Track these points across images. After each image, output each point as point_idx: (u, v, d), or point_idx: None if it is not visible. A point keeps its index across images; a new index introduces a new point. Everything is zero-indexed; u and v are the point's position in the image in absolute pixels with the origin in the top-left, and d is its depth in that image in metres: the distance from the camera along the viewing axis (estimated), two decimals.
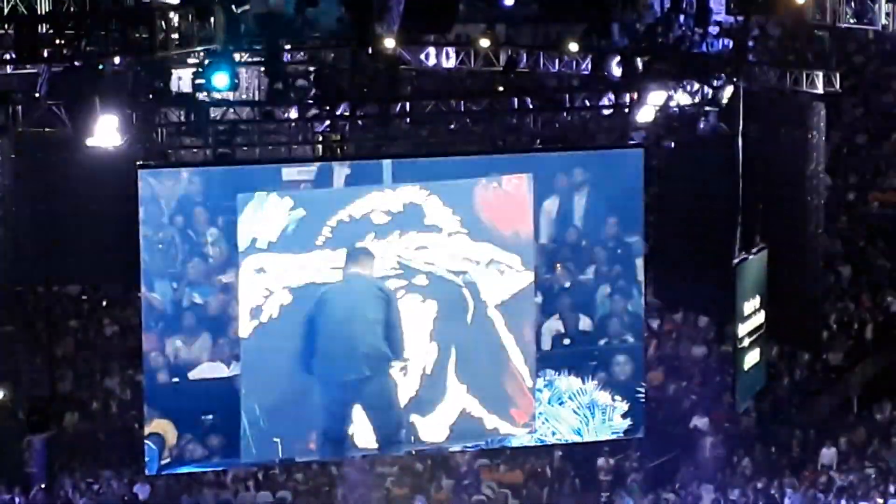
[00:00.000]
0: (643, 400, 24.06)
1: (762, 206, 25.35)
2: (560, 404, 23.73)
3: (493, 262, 23.17)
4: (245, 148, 23.31)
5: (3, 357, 25.67)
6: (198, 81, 22.02)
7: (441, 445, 23.75)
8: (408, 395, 23.06)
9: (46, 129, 23.05)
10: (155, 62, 22.99)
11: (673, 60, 25.62)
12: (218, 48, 22.78)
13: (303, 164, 22.80)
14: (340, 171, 22.70)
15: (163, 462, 22.48)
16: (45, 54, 21.08)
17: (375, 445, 23.12)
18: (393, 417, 23.00)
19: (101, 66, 21.35)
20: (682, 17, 26.84)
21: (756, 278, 25.03)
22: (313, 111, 23.32)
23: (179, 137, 22.85)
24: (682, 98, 24.43)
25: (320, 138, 23.58)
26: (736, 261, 24.65)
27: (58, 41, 21.23)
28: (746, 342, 24.86)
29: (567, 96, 24.46)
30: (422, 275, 22.94)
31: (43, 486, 24.17)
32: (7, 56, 22.57)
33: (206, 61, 22.15)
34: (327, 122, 23.30)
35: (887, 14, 25.41)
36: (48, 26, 21.69)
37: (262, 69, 24.35)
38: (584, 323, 23.67)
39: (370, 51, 26.67)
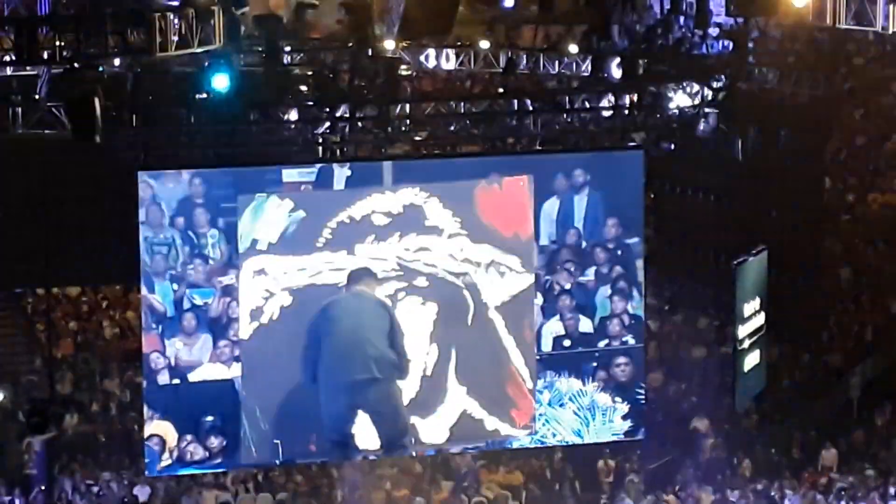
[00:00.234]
0: (643, 401, 24.05)
1: (762, 207, 25.36)
2: (560, 406, 23.72)
3: (494, 264, 23.16)
4: (245, 149, 23.29)
5: (2, 358, 25.73)
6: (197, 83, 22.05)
7: (441, 447, 23.75)
8: (408, 396, 23.04)
9: (46, 131, 23.07)
10: (155, 64, 23.01)
11: (673, 62, 25.66)
12: (218, 50, 22.78)
13: (303, 165, 22.78)
14: (341, 172, 22.68)
15: (163, 463, 22.45)
16: (45, 56, 21.08)
17: (378, 448, 23.09)
18: (398, 422, 22.96)
19: (100, 68, 21.35)
20: (681, 19, 26.89)
21: (756, 280, 25.01)
22: (313, 113, 23.33)
23: (179, 139, 22.84)
24: (681, 100, 24.43)
25: (320, 140, 23.57)
26: (736, 262, 24.64)
27: (57, 43, 21.21)
28: (746, 344, 24.83)
29: (567, 98, 24.45)
30: (422, 276, 22.92)
31: (42, 487, 24.17)
32: (6, 58, 22.57)
33: (206, 63, 22.16)
34: (327, 124, 23.29)
35: (887, 16, 25.40)
36: (47, 28, 21.68)
37: (262, 71, 24.36)
38: (585, 324, 23.66)
39: (370, 52, 26.71)
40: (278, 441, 22.73)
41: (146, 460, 22.51)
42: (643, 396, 24.04)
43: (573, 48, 26.65)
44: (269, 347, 22.45)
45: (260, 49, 25.21)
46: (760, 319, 25.18)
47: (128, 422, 26.08)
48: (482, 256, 23.14)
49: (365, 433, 22.86)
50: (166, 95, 22.44)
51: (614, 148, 24.37)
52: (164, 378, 22.24)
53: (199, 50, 22.15)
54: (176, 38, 21.66)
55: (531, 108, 24.12)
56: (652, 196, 25.47)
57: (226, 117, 22.35)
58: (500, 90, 26.80)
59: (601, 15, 28.03)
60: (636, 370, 23.93)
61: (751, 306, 24.87)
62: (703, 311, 27.69)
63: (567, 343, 23.65)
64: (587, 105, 24.34)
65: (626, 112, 24.18)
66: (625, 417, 23.95)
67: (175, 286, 22.17)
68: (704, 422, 26.10)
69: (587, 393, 23.78)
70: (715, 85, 24.53)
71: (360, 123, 23.46)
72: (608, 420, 23.92)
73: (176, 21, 21.59)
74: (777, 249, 25.14)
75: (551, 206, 23.41)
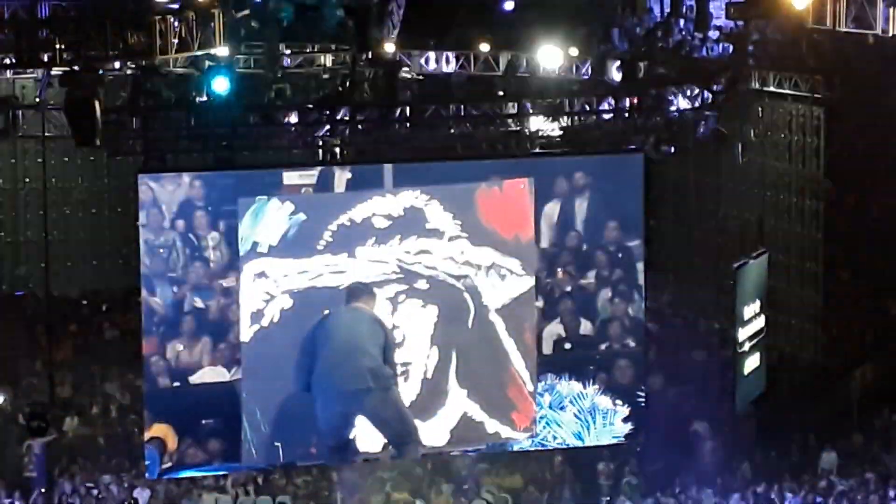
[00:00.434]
0: (644, 404, 24.04)
1: (762, 210, 25.36)
2: (561, 409, 23.71)
3: (494, 267, 23.16)
4: (246, 152, 23.30)
5: (3, 362, 25.71)
6: (197, 85, 22.08)
7: (442, 449, 23.74)
8: (409, 399, 23.04)
9: (46, 134, 23.09)
10: (155, 66, 23.03)
11: (673, 65, 25.67)
12: (217, 52, 22.83)
13: (304, 168, 22.77)
14: (341, 175, 22.68)
15: (163, 466, 22.44)
16: (45, 59, 21.10)
17: (379, 450, 23.07)
18: (404, 425, 22.98)
19: (100, 71, 21.36)
20: (682, 22, 26.92)
21: (756, 283, 25.02)
22: (314, 115, 23.33)
23: (180, 142, 22.85)
24: (681, 102, 24.44)
25: (321, 143, 23.58)
26: (736, 265, 24.64)
27: (58, 46, 21.24)
28: (747, 346, 24.84)
29: (567, 101, 24.45)
30: (423, 279, 22.93)
31: (42, 490, 24.12)
32: (7, 61, 22.59)
33: (206, 65, 22.18)
34: (328, 127, 23.30)
35: (887, 19, 25.40)
36: (48, 31, 21.70)
37: (263, 73, 24.40)
38: (585, 327, 23.66)
39: (370, 55, 26.72)
40: (278, 444, 22.73)
41: (146, 463, 22.50)
42: (643, 399, 24.03)
43: (573, 51, 26.64)
44: (269, 350, 22.44)
45: (260, 51, 25.25)
46: (760, 322, 25.19)
47: (128, 424, 26.05)
48: (483, 259, 23.13)
49: (366, 437, 22.86)
50: (166, 98, 22.46)
51: (615, 151, 24.37)
52: (164, 381, 22.23)
53: (200, 52, 22.20)
54: (176, 41, 21.71)
55: (531, 111, 24.13)
56: (652, 199, 25.43)
57: (226, 120, 22.36)
58: (501, 93, 26.79)
59: (602, 18, 28.04)
60: (637, 373, 23.93)
61: (751, 309, 24.87)
62: (704, 313, 27.67)
63: (568, 346, 23.66)
64: (587, 108, 24.35)
65: (627, 115, 24.19)
66: (625, 420, 23.95)
67: (175, 289, 22.15)
68: (704, 424, 26.08)
69: (588, 395, 23.77)
70: (715, 88, 24.55)
71: (360, 126, 23.47)
72: (609, 423, 23.92)
73: (176, 24, 21.63)
74: (777, 253, 25.14)
75: (552, 208, 23.41)
